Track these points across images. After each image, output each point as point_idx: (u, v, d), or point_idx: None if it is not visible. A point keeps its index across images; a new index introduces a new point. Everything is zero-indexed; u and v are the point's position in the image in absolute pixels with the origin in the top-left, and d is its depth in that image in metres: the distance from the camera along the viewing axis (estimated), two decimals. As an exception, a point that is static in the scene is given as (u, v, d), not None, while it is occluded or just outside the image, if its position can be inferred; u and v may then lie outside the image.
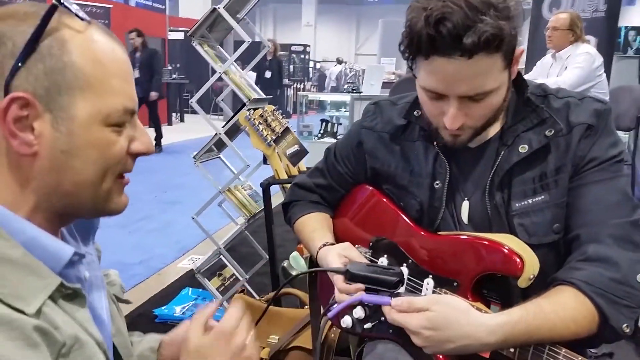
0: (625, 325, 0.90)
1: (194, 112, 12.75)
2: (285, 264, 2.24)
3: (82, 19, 0.65)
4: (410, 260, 1.08)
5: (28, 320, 0.58)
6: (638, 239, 0.96)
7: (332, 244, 1.14)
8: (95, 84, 0.64)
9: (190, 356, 0.73)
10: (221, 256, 2.59)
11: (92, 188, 0.67)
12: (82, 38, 0.64)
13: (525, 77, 1.07)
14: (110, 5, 9.90)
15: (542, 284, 0.95)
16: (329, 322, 1.76)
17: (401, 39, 0.94)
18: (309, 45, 19.55)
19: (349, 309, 1.10)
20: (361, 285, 0.97)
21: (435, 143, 1.07)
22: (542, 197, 1.00)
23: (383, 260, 1.12)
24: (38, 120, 0.62)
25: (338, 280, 1.02)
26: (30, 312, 0.59)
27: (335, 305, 0.98)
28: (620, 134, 4.31)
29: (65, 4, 0.64)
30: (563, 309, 0.89)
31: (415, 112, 1.10)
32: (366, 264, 1.03)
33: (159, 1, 12.33)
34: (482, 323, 0.87)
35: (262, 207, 2.51)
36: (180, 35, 13.21)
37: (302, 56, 18.28)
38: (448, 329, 0.86)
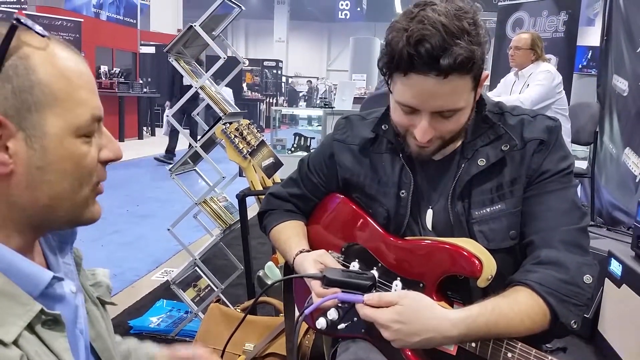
0: (573, 321, 0.99)
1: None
2: (260, 273, 2.29)
3: (42, 35, 0.65)
4: (379, 264, 1.15)
5: (12, 353, 0.58)
6: (585, 244, 1.05)
7: (308, 251, 1.19)
8: (64, 98, 0.65)
9: None
10: (196, 268, 2.62)
11: (69, 200, 0.68)
12: (45, 54, 0.64)
13: (489, 93, 1.17)
14: (82, 19, 9.83)
15: (500, 286, 1.03)
16: (304, 329, 1.82)
17: (380, 55, 1.01)
18: (281, 61, 19.68)
19: (323, 311, 1.16)
20: (337, 289, 1.03)
21: (400, 155, 1.15)
22: (499, 206, 1.08)
23: (355, 265, 1.19)
24: (12, 139, 0.63)
25: (315, 285, 1.07)
26: (7, 341, 0.59)
27: (313, 304, 1.04)
28: (580, 148, 4.50)
29: (24, 21, 0.64)
30: (518, 306, 0.97)
31: (383, 126, 1.18)
32: (341, 270, 1.09)
33: (130, 15, 12.28)
34: (445, 317, 0.94)
35: (237, 219, 2.56)
36: (151, 50, 13.17)
37: (275, 71, 18.41)
38: (415, 322, 0.92)
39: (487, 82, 1.09)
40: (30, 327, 0.62)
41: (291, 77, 22.71)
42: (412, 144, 1.08)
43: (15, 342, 0.60)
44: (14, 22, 0.63)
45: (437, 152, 1.09)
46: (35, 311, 0.63)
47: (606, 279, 2.42)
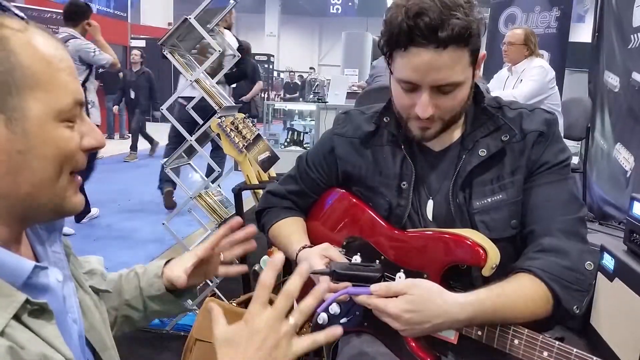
0: (575, 307, 1.02)
1: (156, 120, 12.65)
2: (256, 267, 2.29)
3: (21, 18, 0.64)
4: (382, 257, 1.15)
5: (1, 342, 0.58)
6: (584, 233, 1.08)
7: (310, 247, 1.19)
8: (44, 81, 0.64)
9: (221, 349, 0.68)
10: (191, 262, 2.61)
11: (50, 187, 0.66)
12: (25, 37, 0.63)
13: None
14: (71, 12, 9.73)
15: (502, 275, 1.04)
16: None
17: (380, 35, 1.04)
18: (272, 55, 19.60)
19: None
20: (348, 283, 1.02)
21: (402, 147, 1.16)
22: (500, 196, 1.09)
23: (357, 259, 1.19)
24: None
25: (325, 280, 1.07)
26: None
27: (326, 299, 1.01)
28: (572, 143, 4.54)
29: (3, 4, 0.64)
30: (523, 290, 0.99)
31: (385, 119, 1.19)
32: (349, 264, 1.09)
33: (121, 9, 12.18)
34: (455, 301, 0.95)
35: (233, 213, 2.55)
36: (141, 43, 13.07)
37: (266, 66, 18.33)
38: (426, 309, 0.93)
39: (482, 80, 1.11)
40: (17, 318, 0.61)
41: (283, 71, 22.63)
42: (414, 127, 1.09)
43: (3, 333, 0.59)
44: None
45: (439, 134, 1.10)
46: (20, 301, 0.62)
47: (599, 273, 2.45)
